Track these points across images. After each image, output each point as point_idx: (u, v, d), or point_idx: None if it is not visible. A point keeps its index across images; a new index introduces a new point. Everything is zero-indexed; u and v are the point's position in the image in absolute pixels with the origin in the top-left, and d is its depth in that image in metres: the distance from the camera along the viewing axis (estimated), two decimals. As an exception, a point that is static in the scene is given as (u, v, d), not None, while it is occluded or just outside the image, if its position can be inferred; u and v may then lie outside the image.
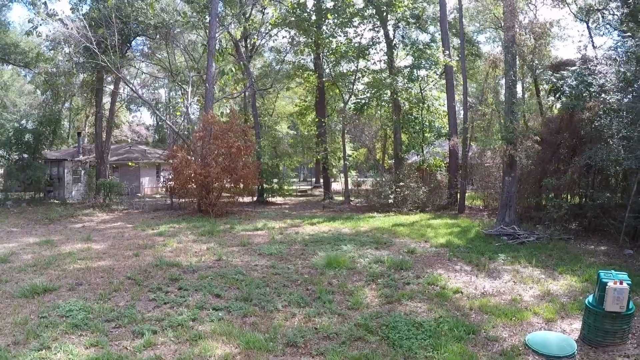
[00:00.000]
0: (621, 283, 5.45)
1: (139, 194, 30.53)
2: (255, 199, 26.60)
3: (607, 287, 5.45)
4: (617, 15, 16.41)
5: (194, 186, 19.53)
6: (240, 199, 24.56)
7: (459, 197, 19.85)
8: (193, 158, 20.17)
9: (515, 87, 15.53)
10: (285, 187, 29.98)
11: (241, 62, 25.62)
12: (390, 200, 20.00)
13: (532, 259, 10.01)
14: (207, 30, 23.58)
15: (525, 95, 24.19)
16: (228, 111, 24.81)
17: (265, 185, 26.81)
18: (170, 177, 20.90)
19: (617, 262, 10.02)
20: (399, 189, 20.10)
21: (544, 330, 6.00)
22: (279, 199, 28.11)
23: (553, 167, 15.13)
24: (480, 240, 12.35)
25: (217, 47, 22.74)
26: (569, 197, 15.25)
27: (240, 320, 6.41)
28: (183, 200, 21.75)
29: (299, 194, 34.14)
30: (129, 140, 47.21)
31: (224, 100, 32.95)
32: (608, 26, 18.00)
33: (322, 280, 8.40)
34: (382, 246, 11.59)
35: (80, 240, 12.93)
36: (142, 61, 34.44)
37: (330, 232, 14.14)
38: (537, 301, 7.25)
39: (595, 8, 18.50)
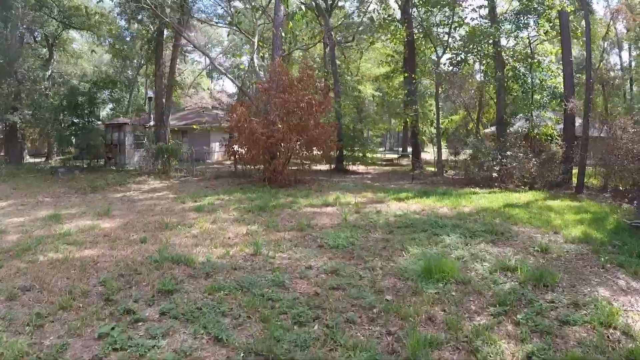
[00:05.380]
0: None
1: (209, 160, 28.07)
2: (333, 166, 22.88)
3: None
4: None
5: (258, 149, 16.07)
6: (316, 167, 20.92)
7: (576, 173, 14.88)
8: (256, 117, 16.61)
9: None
10: (369, 155, 25.86)
11: (315, 3, 21.56)
12: (494, 174, 15.53)
13: None
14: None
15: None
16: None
17: (345, 152, 22.97)
18: (232, 138, 17.64)
19: None
20: (505, 160, 15.49)
21: None
22: (360, 168, 24.08)
23: None
24: (626, 235, 7.76)
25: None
26: None
27: None
28: (252, 167, 18.24)
29: (384, 163, 29.81)
30: (210, 107, 45.34)
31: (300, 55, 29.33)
32: None
33: (416, 307, 4.53)
34: (500, 238, 7.48)
35: (96, 215, 9.98)
36: (210, 24, 31.57)
37: (424, 212, 10.02)
38: None
39: None
